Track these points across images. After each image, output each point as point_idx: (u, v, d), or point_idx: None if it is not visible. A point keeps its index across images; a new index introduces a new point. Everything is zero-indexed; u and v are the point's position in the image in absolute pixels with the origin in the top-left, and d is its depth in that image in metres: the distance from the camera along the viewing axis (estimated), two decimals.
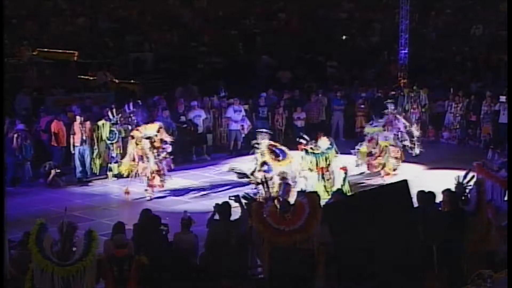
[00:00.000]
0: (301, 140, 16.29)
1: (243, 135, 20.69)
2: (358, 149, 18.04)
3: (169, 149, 16.50)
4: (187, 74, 25.07)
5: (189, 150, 20.33)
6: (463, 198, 10.71)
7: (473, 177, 11.24)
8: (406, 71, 25.64)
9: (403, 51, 25.69)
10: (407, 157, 18.36)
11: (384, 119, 18.26)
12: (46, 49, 25.53)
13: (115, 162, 17.94)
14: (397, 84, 25.05)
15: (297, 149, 16.44)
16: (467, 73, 26.65)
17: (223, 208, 10.30)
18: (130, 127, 17.61)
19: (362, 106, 22.87)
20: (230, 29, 29.90)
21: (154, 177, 16.30)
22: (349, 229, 9.30)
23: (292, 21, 31.54)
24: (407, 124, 18.55)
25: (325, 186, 15.77)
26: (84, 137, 17.92)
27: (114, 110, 18.15)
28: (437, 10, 32.34)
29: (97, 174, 18.22)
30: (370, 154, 17.89)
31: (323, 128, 20.72)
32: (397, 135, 18.17)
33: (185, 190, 17.14)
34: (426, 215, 9.96)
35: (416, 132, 18.51)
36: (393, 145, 17.91)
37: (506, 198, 13.73)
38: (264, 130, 16.75)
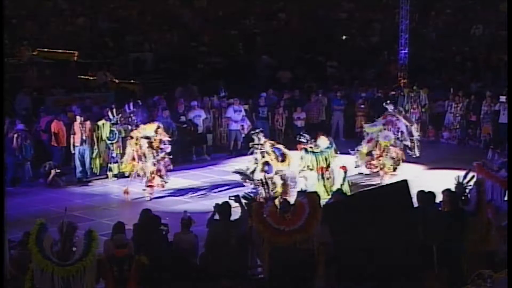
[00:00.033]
0: (301, 139, 16.28)
1: (243, 135, 20.68)
2: (358, 150, 18.00)
3: (168, 149, 16.48)
4: (187, 74, 25.07)
5: (189, 150, 20.32)
6: (463, 198, 10.72)
7: (473, 177, 11.25)
8: (406, 71, 25.64)
9: (403, 51, 25.69)
10: (407, 157, 18.35)
11: (384, 119, 18.23)
12: (46, 49, 25.53)
13: (115, 162, 17.96)
14: (397, 84, 25.05)
15: (297, 149, 16.43)
16: (467, 73, 26.65)
17: (223, 208, 10.30)
18: (130, 127, 17.60)
19: (362, 106, 22.87)
20: (230, 29, 29.90)
21: (153, 178, 16.30)
22: (349, 229, 9.29)
23: (292, 21, 31.54)
24: (408, 124, 18.55)
25: (325, 185, 15.77)
26: (84, 137, 17.93)
27: (114, 110, 18.16)
28: (437, 10, 32.33)
29: (97, 174, 18.23)
30: (369, 154, 17.86)
31: (323, 128, 20.72)
32: (398, 135, 18.16)
33: (185, 190, 17.13)
34: (426, 215, 9.96)
35: (415, 133, 18.51)
36: (393, 145, 17.91)
37: (506, 198, 13.73)
38: (261, 130, 16.71)
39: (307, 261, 9.59)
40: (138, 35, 28.19)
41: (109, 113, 18.12)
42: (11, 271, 9.41)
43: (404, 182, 9.69)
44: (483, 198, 10.60)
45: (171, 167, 16.59)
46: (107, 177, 18.08)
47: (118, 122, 18.01)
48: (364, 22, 31.93)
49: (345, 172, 16.05)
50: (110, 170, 18.09)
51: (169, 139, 16.75)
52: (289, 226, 9.68)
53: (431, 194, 10.44)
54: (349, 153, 18.03)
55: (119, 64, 25.87)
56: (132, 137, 16.55)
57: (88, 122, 18.04)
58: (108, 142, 18.07)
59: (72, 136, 18.01)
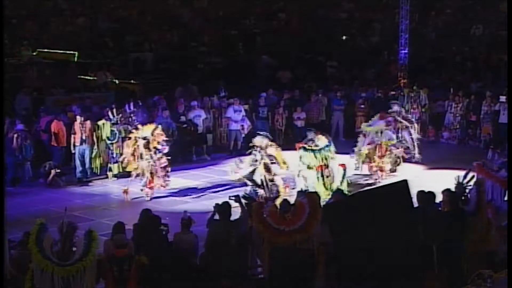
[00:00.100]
0: (308, 138, 16.23)
1: (243, 135, 20.68)
2: (360, 151, 17.94)
3: (165, 150, 16.44)
4: (187, 74, 25.08)
5: (189, 150, 20.33)
6: (463, 198, 10.71)
7: (473, 177, 11.24)
8: (406, 71, 25.62)
9: (403, 51, 25.68)
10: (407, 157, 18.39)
11: (383, 119, 18.22)
12: (46, 49, 25.53)
13: (115, 162, 17.96)
14: (397, 84, 25.04)
15: (296, 149, 16.40)
16: (467, 73, 26.65)
17: (223, 208, 10.30)
18: (130, 127, 17.61)
19: (362, 106, 22.86)
20: (230, 29, 29.90)
21: (153, 179, 16.30)
22: (349, 229, 9.29)
23: (292, 21, 31.54)
24: (408, 125, 18.55)
25: (324, 183, 15.74)
26: (84, 137, 17.93)
27: (114, 110, 18.17)
28: (437, 10, 32.31)
29: (98, 174, 18.23)
30: (370, 155, 17.81)
31: (323, 128, 20.67)
32: (398, 135, 18.17)
33: (185, 190, 17.13)
34: (426, 215, 9.96)
35: (415, 135, 18.52)
36: (394, 145, 17.92)
37: (506, 198, 13.73)
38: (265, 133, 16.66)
39: (307, 261, 9.59)
40: (138, 35, 28.20)
41: (109, 113, 18.13)
42: (11, 271, 9.41)
43: (404, 182, 9.68)
44: (483, 198, 10.60)
45: (168, 168, 16.53)
46: (107, 177, 18.09)
47: (118, 122, 18.02)
48: (364, 22, 31.92)
49: (345, 170, 16.04)
50: (110, 170, 18.10)
51: (166, 139, 16.69)
52: (289, 226, 9.68)
53: (431, 194, 10.44)
54: (349, 154, 18.02)
55: (119, 64, 25.87)
56: (130, 138, 16.58)
57: (88, 122, 18.04)
58: (108, 142, 18.09)
59: (72, 136, 18.02)
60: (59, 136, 18.40)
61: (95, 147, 18.11)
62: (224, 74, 24.80)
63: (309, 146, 15.97)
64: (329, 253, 9.54)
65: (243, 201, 10.82)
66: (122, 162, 17.21)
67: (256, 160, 15.40)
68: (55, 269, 8.75)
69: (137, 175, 16.40)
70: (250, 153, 15.67)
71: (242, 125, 20.80)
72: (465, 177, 11.10)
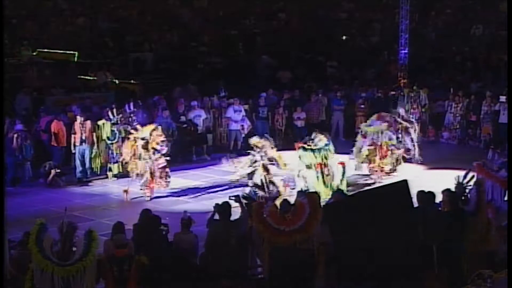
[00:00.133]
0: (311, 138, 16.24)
1: (243, 135, 20.68)
2: (358, 153, 17.92)
3: (163, 151, 16.42)
4: (187, 74, 25.08)
5: (189, 150, 20.33)
6: (463, 198, 10.71)
7: (473, 177, 11.23)
8: (406, 71, 25.62)
9: (403, 51, 25.68)
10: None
11: (381, 119, 18.23)
12: (46, 49, 25.54)
13: (115, 162, 17.96)
14: (397, 84, 25.04)
15: (295, 149, 16.40)
16: (467, 73, 26.65)
17: (223, 208, 10.30)
18: (129, 127, 17.60)
19: (362, 106, 22.86)
20: (230, 29, 29.90)
21: (153, 179, 16.30)
22: (349, 229, 9.29)
23: (292, 21, 31.53)
24: (409, 125, 18.57)
25: (324, 181, 15.74)
26: (84, 137, 17.94)
27: (114, 110, 18.17)
28: (437, 10, 32.31)
29: (98, 174, 18.23)
30: (370, 156, 17.80)
31: (323, 128, 20.66)
32: (398, 136, 18.18)
33: (185, 190, 17.13)
34: (426, 215, 9.96)
35: (415, 136, 18.53)
36: (394, 145, 17.92)
37: (506, 198, 13.73)
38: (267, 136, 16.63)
39: (307, 261, 9.59)
40: (138, 35, 28.20)
41: (109, 113, 18.13)
42: (11, 271, 9.41)
43: (404, 182, 9.68)
44: (483, 198, 10.61)
45: (167, 169, 16.51)
46: (107, 177, 18.09)
47: (118, 122, 18.01)
48: (364, 22, 31.92)
49: (344, 168, 16.06)
50: (110, 170, 18.10)
51: (164, 139, 16.65)
52: (289, 226, 9.68)
53: (431, 194, 10.44)
54: (349, 154, 18.01)
55: (119, 64, 25.87)
56: (129, 138, 16.58)
57: (88, 122, 18.04)
58: (108, 142, 18.10)
59: (72, 136, 18.02)
60: (59, 136, 18.40)
61: (95, 147, 18.11)
62: (224, 74, 24.80)
63: (308, 145, 15.98)
64: (329, 253, 9.54)
65: (243, 201, 10.82)
66: (122, 162, 17.24)
67: (256, 161, 15.39)
68: (55, 269, 8.75)
69: (138, 175, 16.39)
70: (248, 153, 15.68)
71: (242, 125, 20.80)
72: (465, 177, 11.10)
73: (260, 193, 14.90)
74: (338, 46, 29.92)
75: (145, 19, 29.84)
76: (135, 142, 16.31)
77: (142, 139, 16.27)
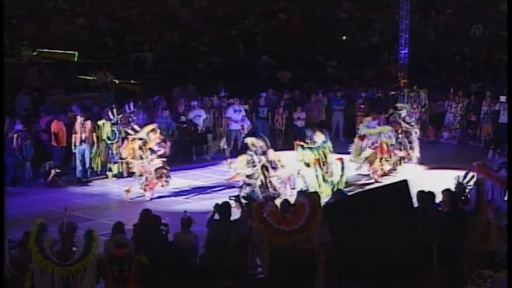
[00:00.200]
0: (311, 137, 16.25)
1: (243, 135, 20.66)
2: (358, 154, 17.90)
3: (160, 152, 16.37)
4: (187, 74, 25.08)
5: (189, 150, 20.33)
6: (463, 198, 10.72)
7: (473, 177, 11.24)
8: (406, 71, 25.62)
9: (403, 51, 25.68)
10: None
11: (379, 120, 18.23)
12: (46, 49, 25.53)
13: (115, 162, 17.97)
14: (397, 84, 25.04)
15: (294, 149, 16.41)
16: (467, 73, 26.65)
17: (223, 208, 10.30)
18: (128, 128, 17.59)
19: (362, 106, 22.85)
20: (230, 29, 29.90)
21: (152, 180, 16.29)
22: (349, 229, 9.28)
23: (292, 21, 31.53)
24: (409, 127, 18.58)
25: (323, 176, 15.74)
26: (84, 137, 17.94)
27: (114, 110, 18.17)
28: (437, 10, 32.31)
29: (98, 173, 18.24)
30: (371, 158, 17.78)
31: (323, 128, 20.69)
32: (399, 137, 18.20)
33: (185, 190, 17.13)
34: (426, 215, 9.96)
35: (414, 136, 18.54)
36: (393, 145, 17.93)
37: (506, 198, 13.73)
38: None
39: (307, 261, 9.60)
40: (138, 35, 28.20)
41: (109, 113, 18.14)
42: (11, 271, 9.41)
43: (404, 182, 9.67)
44: (483, 198, 10.61)
45: (164, 170, 16.45)
46: (107, 177, 18.10)
47: (118, 122, 18.01)
48: (364, 22, 31.92)
49: (342, 163, 16.07)
50: (110, 170, 18.11)
51: (162, 140, 16.63)
52: (290, 226, 9.68)
53: (431, 194, 10.45)
54: (349, 154, 17.99)
55: (119, 64, 25.87)
56: (128, 138, 16.58)
57: (88, 122, 18.04)
58: (108, 142, 18.12)
59: (73, 135, 18.02)
60: (59, 136, 18.40)
61: (95, 147, 18.11)
62: (224, 74, 24.80)
63: (306, 144, 16.00)
64: (329, 253, 9.55)
65: (243, 201, 10.82)
66: (121, 163, 17.24)
67: (254, 162, 15.38)
68: (55, 269, 8.76)
69: (137, 176, 16.40)
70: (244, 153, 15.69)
71: (242, 125, 20.79)
72: (465, 177, 11.11)
73: (260, 193, 14.90)
74: (338, 46, 29.92)
75: (145, 19, 29.84)
76: (133, 143, 16.30)
77: (140, 139, 16.27)
